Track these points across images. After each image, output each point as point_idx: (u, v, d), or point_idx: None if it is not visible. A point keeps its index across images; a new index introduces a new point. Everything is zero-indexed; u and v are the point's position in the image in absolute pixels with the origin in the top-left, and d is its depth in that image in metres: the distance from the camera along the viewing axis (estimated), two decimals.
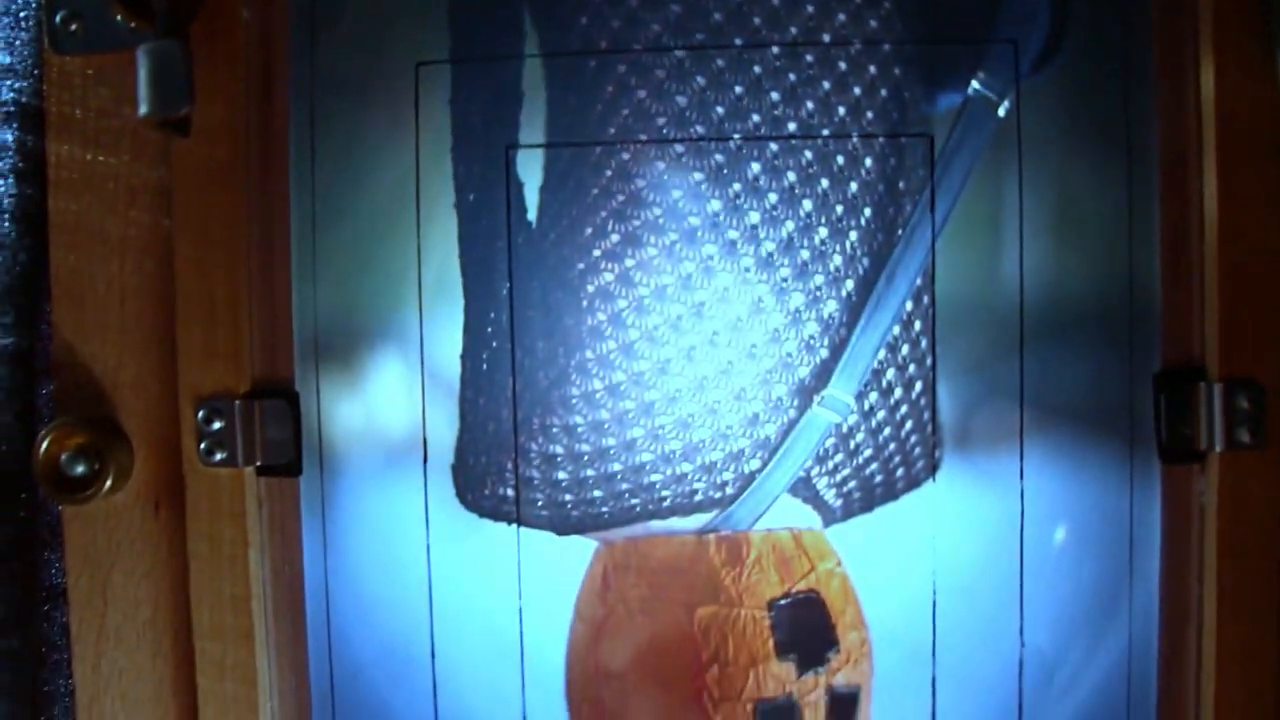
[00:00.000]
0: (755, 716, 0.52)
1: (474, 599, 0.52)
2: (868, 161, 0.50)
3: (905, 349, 0.50)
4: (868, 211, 0.50)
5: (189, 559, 0.52)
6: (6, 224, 0.52)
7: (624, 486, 0.50)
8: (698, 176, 0.49)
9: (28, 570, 0.54)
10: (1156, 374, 0.49)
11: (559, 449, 0.50)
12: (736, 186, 0.49)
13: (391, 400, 0.51)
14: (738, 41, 0.49)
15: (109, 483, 0.52)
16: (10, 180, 0.52)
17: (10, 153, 0.52)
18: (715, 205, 0.49)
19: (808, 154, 0.49)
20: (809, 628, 0.51)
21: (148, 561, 0.54)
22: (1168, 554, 0.50)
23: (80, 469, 0.51)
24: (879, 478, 0.50)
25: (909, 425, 0.50)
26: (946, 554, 0.50)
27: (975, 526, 0.50)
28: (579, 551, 0.51)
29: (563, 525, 0.51)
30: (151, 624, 0.54)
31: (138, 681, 0.54)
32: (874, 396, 0.50)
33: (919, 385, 0.50)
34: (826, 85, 0.49)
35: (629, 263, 0.49)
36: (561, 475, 0.50)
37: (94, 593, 0.54)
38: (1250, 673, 0.48)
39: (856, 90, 0.49)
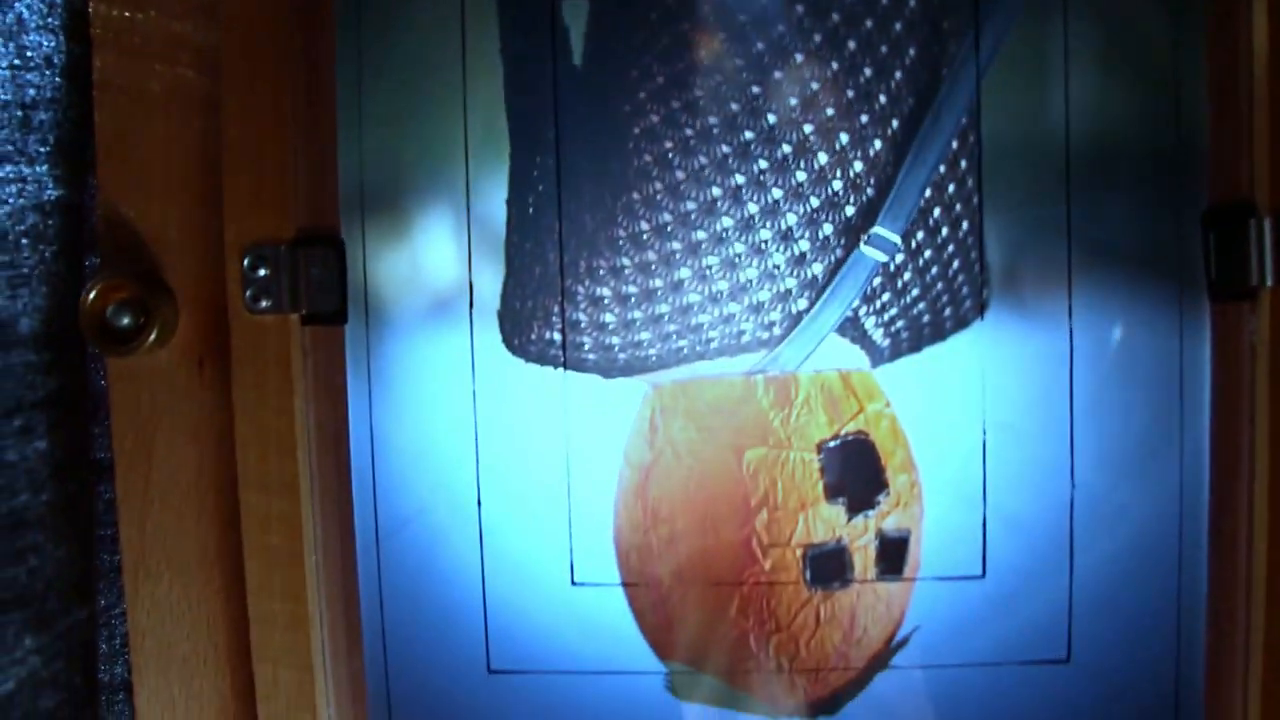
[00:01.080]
0: (804, 561, 0.51)
1: (521, 445, 0.51)
2: (911, 0, 0.49)
3: (951, 188, 0.50)
4: (912, 51, 0.50)
5: (234, 408, 0.52)
6: (56, 80, 0.52)
7: (671, 328, 0.50)
8: (742, 18, 0.49)
9: (78, 420, 0.54)
10: (1205, 210, 0.49)
11: (606, 291, 0.50)
12: (781, 28, 0.49)
13: (437, 247, 0.51)
14: None
15: (154, 336, 0.52)
16: (60, 37, 0.52)
17: (58, 9, 0.52)
18: (760, 46, 0.49)
19: None
20: (858, 470, 0.51)
21: (192, 420, 0.54)
22: (1218, 393, 0.50)
23: (126, 321, 0.51)
24: (927, 317, 0.50)
25: (956, 264, 0.50)
26: (995, 394, 0.50)
27: (1024, 367, 0.50)
28: (626, 395, 0.51)
29: (610, 368, 0.51)
30: (196, 484, 0.54)
31: (183, 541, 0.54)
32: (921, 235, 0.50)
33: (965, 224, 0.50)
34: None
35: (675, 104, 0.49)
36: (608, 318, 0.50)
37: (139, 453, 0.54)
38: None
39: None
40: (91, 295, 0.51)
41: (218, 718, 0.55)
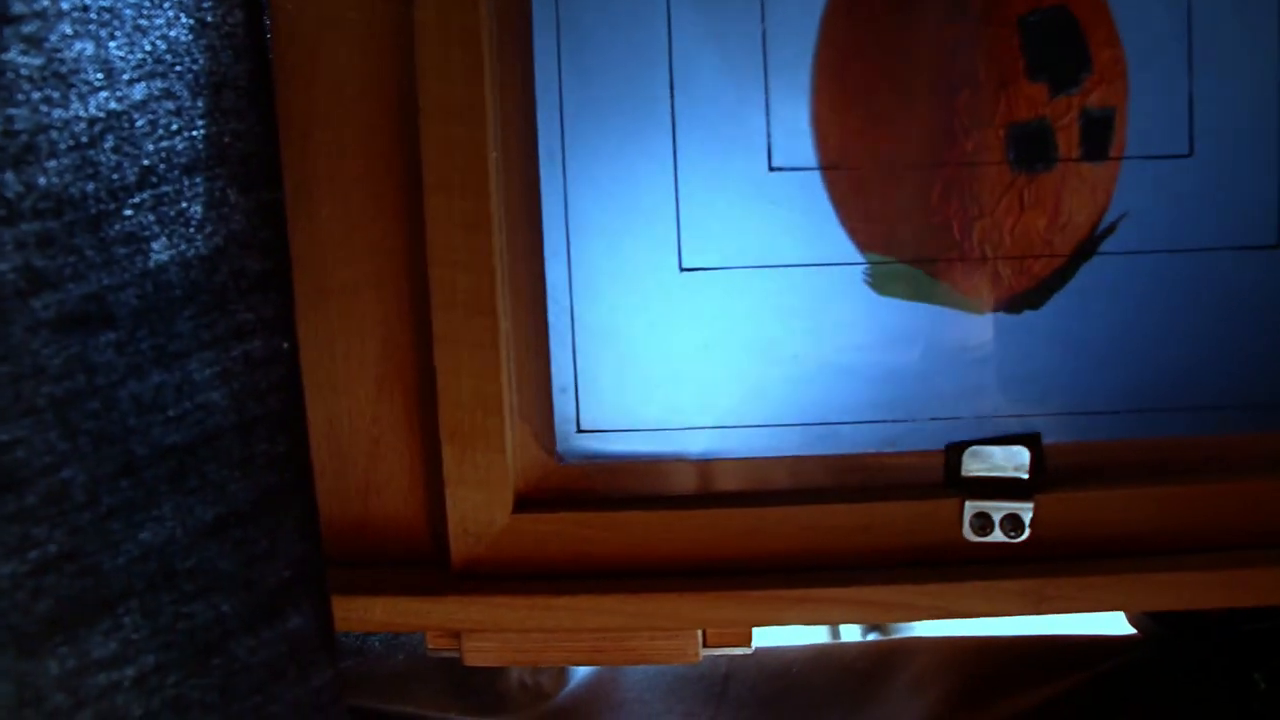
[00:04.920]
0: (1007, 141, 0.50)
1: (714, 30, 0.50)
2: None
3: None
4: None
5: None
6: None
7: None
8: None
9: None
10: None
11: None
12: None
13: None
14: None
15: None
16: None
17: None
18: None
19: None
20: (1060, 45, 0.49)
21: (361, 28, 0.52)
22: None
23: None
24: None
25: None
26: None
27: None
28: None
29: None
30: (363, 93, 0.52)
31: (348, 160, 0.52)
32: None
33: None
34: None
35: None
36: None
37: (300, 67, 0.52)
38: None
39: None
40: None
41: (381, 346, 0.53)
